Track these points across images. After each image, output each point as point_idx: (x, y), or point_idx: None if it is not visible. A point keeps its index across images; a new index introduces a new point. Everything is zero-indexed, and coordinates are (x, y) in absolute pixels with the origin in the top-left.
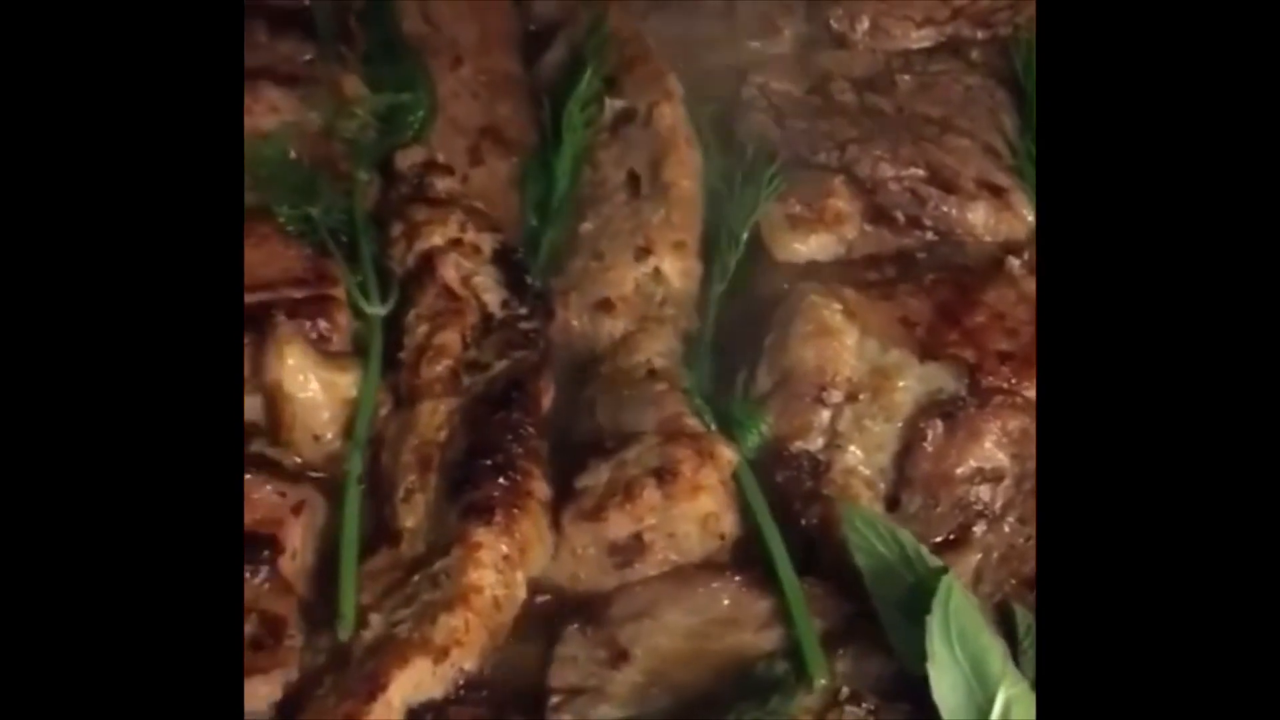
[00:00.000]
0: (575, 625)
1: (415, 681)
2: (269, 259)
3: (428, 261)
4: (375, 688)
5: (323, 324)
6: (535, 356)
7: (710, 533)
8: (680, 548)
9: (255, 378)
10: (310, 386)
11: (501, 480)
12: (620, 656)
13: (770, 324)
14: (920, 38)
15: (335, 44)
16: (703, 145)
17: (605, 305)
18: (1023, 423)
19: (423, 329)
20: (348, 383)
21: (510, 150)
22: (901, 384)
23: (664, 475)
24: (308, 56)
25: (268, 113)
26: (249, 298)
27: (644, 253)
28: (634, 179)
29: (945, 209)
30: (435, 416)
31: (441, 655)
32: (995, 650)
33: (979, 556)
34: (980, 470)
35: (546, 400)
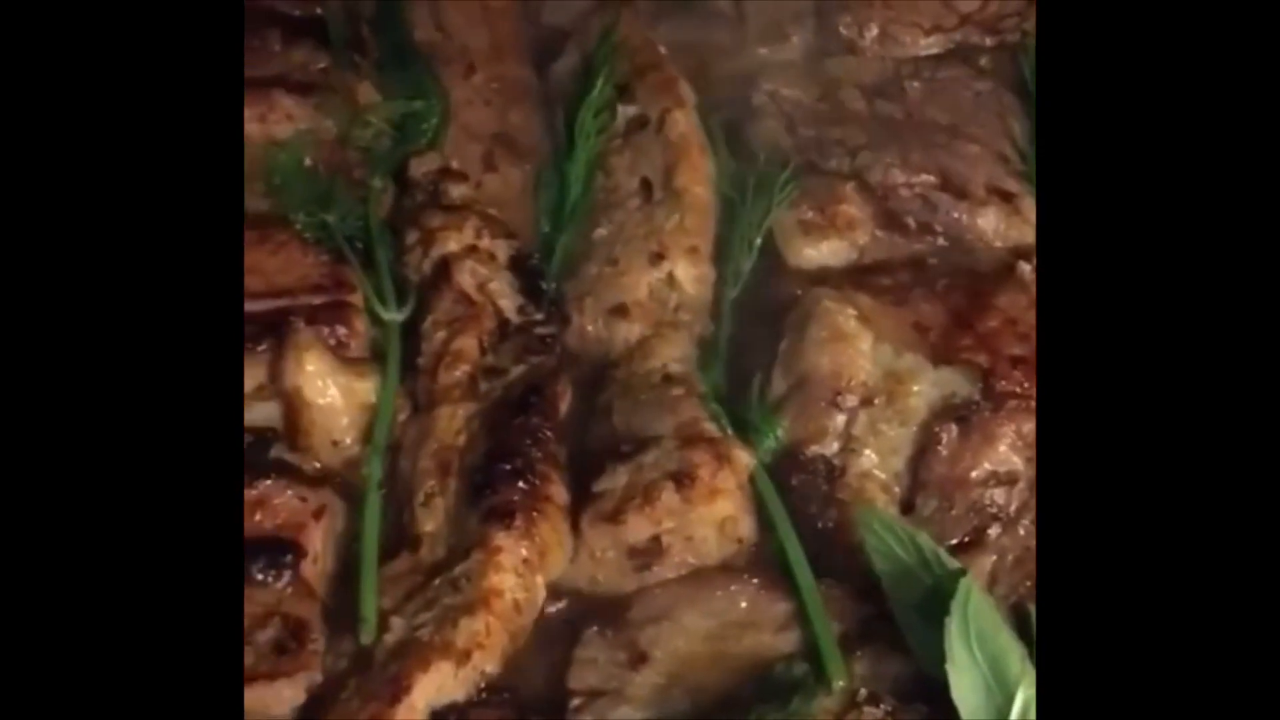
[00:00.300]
0: (595, 628)
1: (438, 684)
2: (287, 266)
3: (444, 268)
4: (399, 690)
5: (341, 330)
6: (552, 361)
7: (728, 536)
8: (698, 551)
9: (274, 384)
10: (329, 392)
11: (521, 484)
12: (640, 658)
13: (784, 329)
14: (929, 44)
15: (349, 52)
16: (714, 152)
17: (620, 310)
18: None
19: (440, 335)
20: (366, 388)
21: (523, 157)
22: (915, 388)
23: (682, 479)
24: (322, 65)
25: (283, 121)
26: (268, 304)
27: (658, 258)
28: (647, 185)
29: (956, 214)
30: (453, 421)
31: (463, 658)
32: (1014, 651)
33: (993, 559)
34: (994, 473)
35: (564, 405)
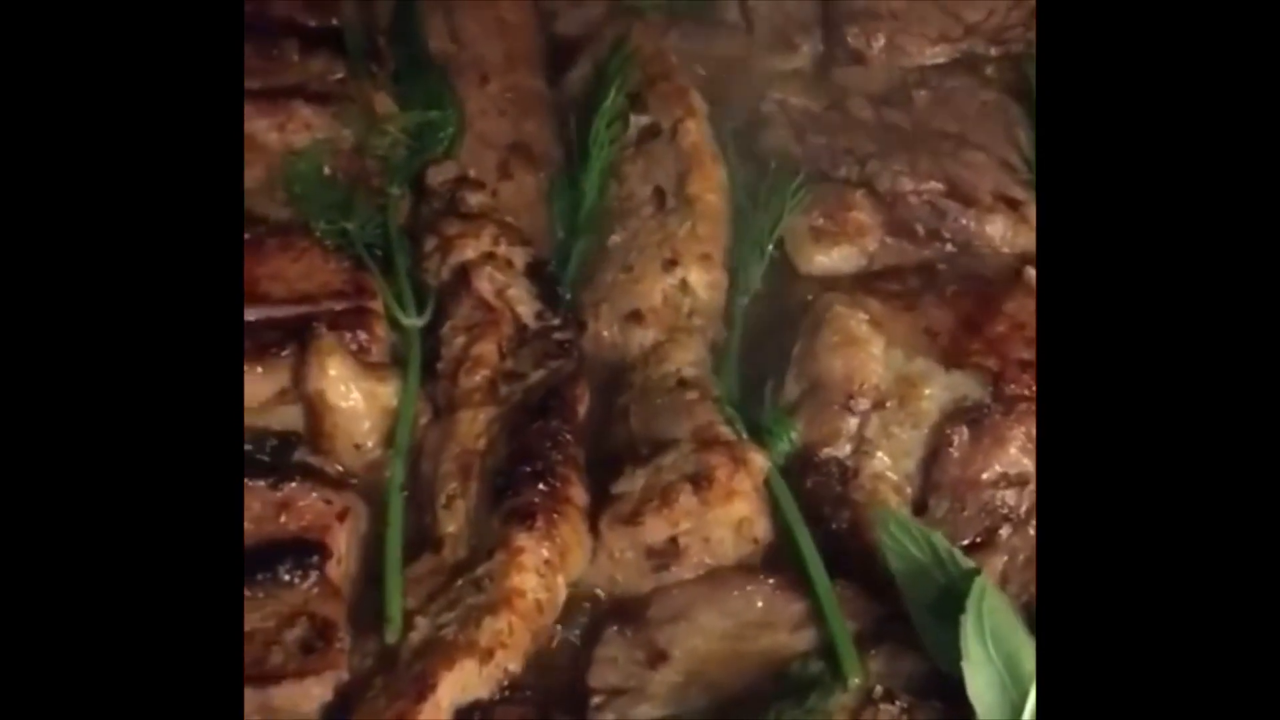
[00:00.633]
0: (614, 627)
1: (462, 682)
2: (309, 272)
3: (462, 274)
4: (424, 689)
5: (362, 335)
6: (571, 366)
7: (744, 537)
8: (715, 551)
9: (298, 388)
10: (351, 397)
11: (542, 486)
12: (659, 657)
13: (796, 334)
14: (935, 54)
15: (365, 63)
16: (726, 160)
17: (635, 316)
18: None
19: (459, 340)
20: (388, 393)
21: (538, 165)
22: (927, 391)
23: (699, 481)
24: (339, 75)
25: (301, 130)
26: (290, 310)
27: (671, 265)
28: (660, 193)
29: (963, 221)
30: (474, 425)
31: (487, 657)
32: (1028, 649)
33: (1004, 559)
34: (1005, 475)
35: (582, 408)
